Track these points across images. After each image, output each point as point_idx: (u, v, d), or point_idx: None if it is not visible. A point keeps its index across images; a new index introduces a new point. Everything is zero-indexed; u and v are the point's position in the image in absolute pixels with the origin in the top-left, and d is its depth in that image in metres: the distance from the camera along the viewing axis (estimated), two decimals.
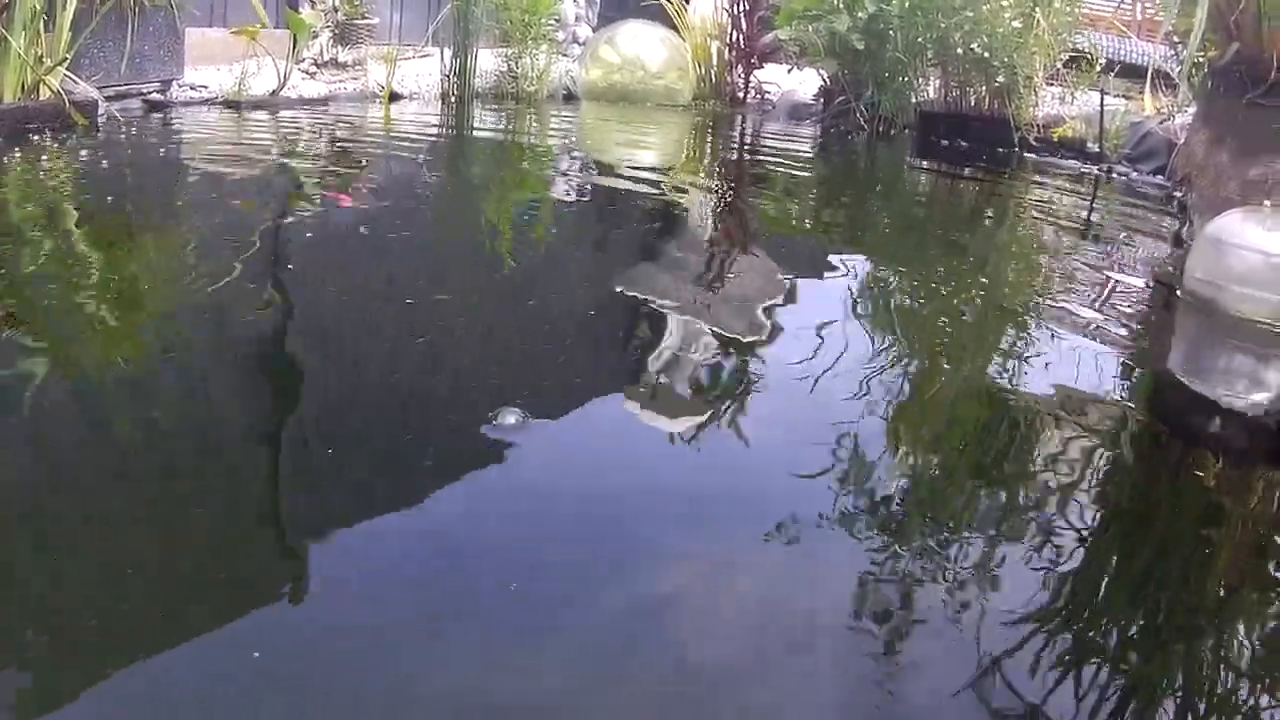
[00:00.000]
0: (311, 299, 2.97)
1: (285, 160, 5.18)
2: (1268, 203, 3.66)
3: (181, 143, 5.32)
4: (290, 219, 3.87)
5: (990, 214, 5.33)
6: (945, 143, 7.38)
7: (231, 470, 1.89)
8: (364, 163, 5.17)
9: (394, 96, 7.65)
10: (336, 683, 1.32)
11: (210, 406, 2.17)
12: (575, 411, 2.24)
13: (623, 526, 1.79)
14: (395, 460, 1.94)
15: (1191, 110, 5.26)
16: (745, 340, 2.86)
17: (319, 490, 1.85)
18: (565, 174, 5.49)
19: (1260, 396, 2.92)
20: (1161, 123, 5.97)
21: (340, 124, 6.44)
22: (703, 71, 9.13)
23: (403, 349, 2.59)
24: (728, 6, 8.89)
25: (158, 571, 1.54)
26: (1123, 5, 7.02)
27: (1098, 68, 6.94)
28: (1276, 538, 1.99)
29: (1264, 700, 1.49)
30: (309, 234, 3.70)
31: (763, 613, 1.56)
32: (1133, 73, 7.42)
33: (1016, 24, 6.76)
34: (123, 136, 5.19)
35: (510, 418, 2.03)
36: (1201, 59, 4.28)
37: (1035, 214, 5.32)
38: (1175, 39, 4.88)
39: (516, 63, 8.26)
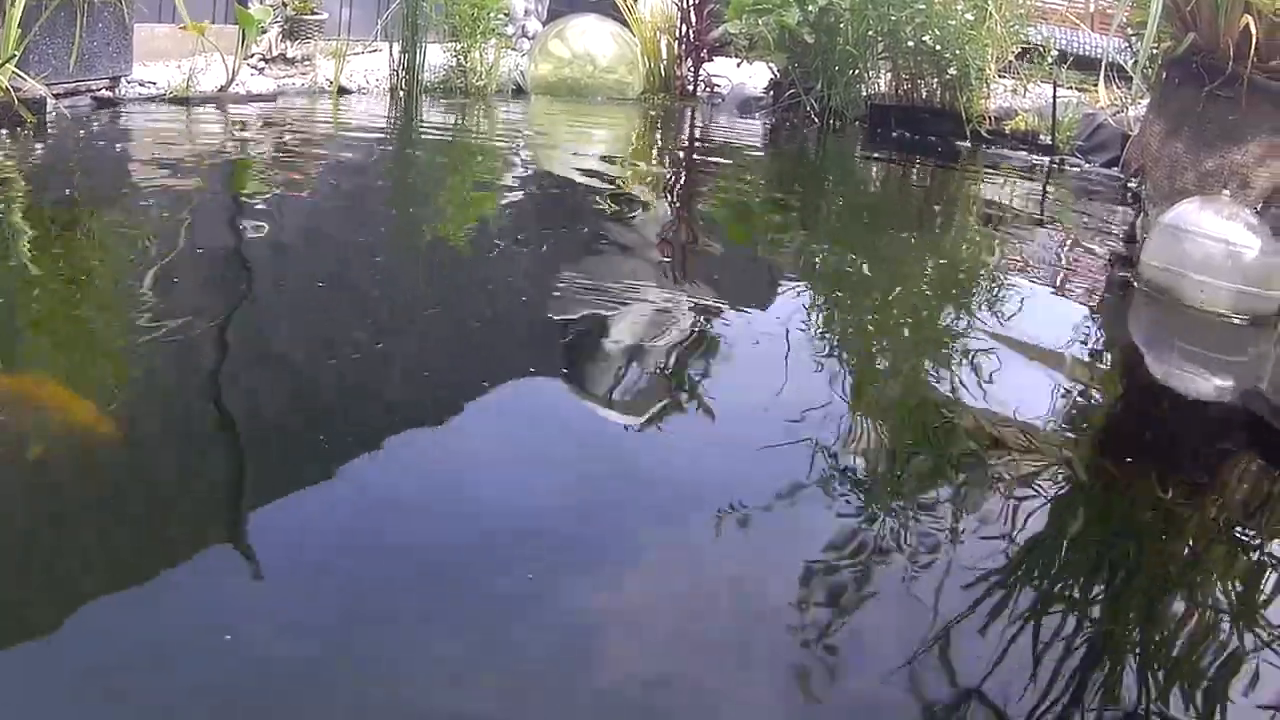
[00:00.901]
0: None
1: (236, 158, 5.15)
2: (1225, 191, 3.75)
3: (130, 141, 5.24)
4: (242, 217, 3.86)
5: (936, 207, 5.42)
6: (896, 135, 7.44)
7: None
8: (311, 164, 5.11)
9: (343, 91, 7.56)
10: None
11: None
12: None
13: None
14: None
15: (1145, 102, 5.36)
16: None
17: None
18: (511, 179, 5.45)
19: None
20: (1114, 115, 6.06)
21: (290, 120, 6.37)
22: (652, 65, 9.11)
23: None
24: (677, 0, 8.88)
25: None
26: None
27: (1050, 60, 7.04)
28: None
29: None
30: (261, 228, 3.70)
31: None
32: (1086, 65, 7.53)
33: (969, 17, 6.83)
34: (82, 133, 5.11)
35: None
36: (1156, 50, 4.36)
37: (985, 201, 5.42)
38: (1129, 31, 4.97)
39: (465, 57, 8.18)
